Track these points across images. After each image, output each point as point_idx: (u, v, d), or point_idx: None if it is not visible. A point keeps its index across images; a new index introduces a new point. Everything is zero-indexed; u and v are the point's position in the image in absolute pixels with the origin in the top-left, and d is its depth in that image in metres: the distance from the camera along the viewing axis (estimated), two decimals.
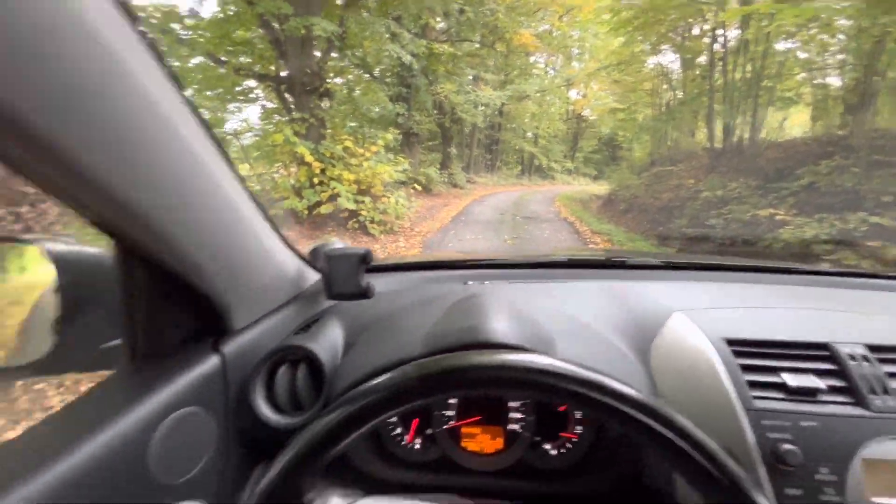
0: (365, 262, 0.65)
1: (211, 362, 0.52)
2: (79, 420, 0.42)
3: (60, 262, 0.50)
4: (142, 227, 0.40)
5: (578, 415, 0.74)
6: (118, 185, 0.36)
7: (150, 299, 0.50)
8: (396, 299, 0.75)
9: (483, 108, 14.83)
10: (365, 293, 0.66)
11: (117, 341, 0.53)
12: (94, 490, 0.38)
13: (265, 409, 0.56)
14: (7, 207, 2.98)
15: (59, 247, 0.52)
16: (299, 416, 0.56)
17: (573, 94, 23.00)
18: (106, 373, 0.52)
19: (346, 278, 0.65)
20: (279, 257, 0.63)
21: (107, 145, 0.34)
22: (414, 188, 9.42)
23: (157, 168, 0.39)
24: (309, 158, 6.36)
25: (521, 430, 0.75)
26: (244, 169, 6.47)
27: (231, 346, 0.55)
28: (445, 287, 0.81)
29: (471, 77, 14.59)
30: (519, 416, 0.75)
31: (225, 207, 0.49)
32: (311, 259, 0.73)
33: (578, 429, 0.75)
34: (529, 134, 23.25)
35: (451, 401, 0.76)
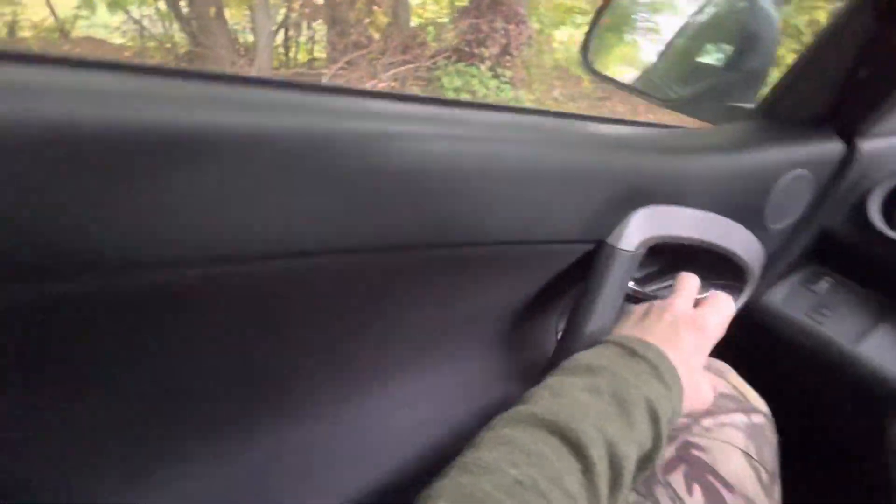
0: None
1: (833, 145, 0.53)
2: (714, 140, 0.48)
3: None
4: None
5: None
6: None
7: (803, 74, 0.51)
8: None
9: None
10: None
11: (748, 104, 0.58)
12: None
13: (878, 217, 0.53)
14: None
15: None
16: None
17: None
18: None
19: None
20: None
21: None
22: None
23: None
24: None
25: None
26: None
27: (863, 143, 0.53)
28: None
29: None
30: None
31: None
32: None
33: None
34: None
35: None
